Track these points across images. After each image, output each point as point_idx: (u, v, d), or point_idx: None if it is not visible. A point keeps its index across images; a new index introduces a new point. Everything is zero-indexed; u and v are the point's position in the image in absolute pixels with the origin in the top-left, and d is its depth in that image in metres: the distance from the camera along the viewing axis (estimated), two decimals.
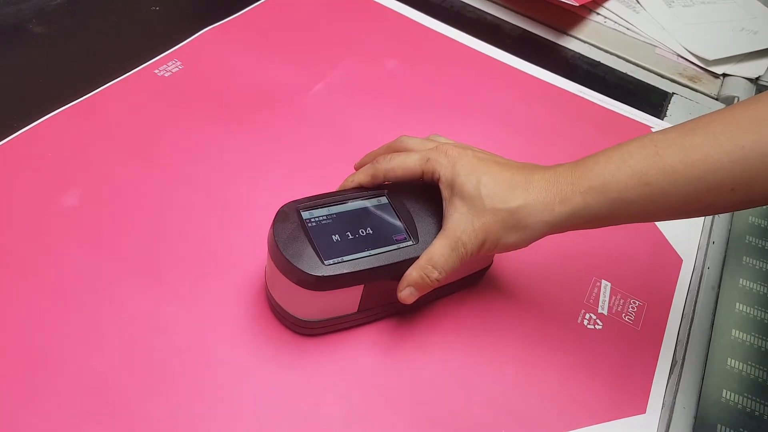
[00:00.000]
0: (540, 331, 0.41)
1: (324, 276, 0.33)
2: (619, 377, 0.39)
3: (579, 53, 0.68)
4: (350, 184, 0.39)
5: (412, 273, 0.35)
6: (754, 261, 0.48)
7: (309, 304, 0.36)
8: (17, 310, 0.36)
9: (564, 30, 0.71)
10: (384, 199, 0.38)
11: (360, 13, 0.65)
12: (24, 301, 0.36)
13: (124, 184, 0.43)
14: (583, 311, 0.42)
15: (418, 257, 0.35)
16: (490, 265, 0.42)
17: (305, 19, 0.62)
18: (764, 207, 0.52)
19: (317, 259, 0.34)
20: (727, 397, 0.39)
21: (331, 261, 0.34)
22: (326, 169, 0.48)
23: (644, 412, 0.38)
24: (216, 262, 0.40)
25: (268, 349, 0.37)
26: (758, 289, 0.46)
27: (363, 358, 0.38)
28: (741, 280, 0.47)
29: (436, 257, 0.35)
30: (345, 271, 0.34)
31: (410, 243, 0.36)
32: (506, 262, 0.44)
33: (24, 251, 0.38)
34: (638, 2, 0.78)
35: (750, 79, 0.69)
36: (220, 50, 0.56)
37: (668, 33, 0.74)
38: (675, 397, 0.39)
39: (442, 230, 0.35)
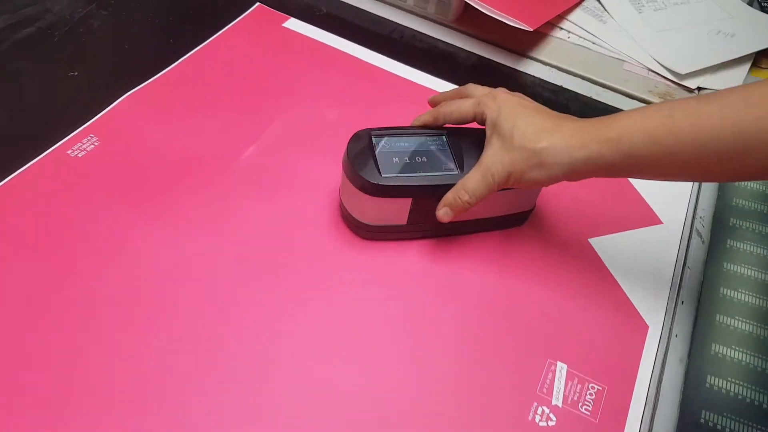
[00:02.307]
0: None
1: (379, 184, 0.41)
2: None
3: (539, 78, 0.63)
4: (417, 123, 0.46)
5: (448, 195, 0.42)
6: (729, 320, 0.44)
7: (367, 208, 0.43)
8: None
9: (523, 52, 0.66)
10: (443, 138, 0.45)
11: (299, 58, 0.60)
12: None
13: (31, 290, 0.40)
14: (535, 404, 0.39)
15: None
16: (531, 210, 0.48)
17: (238, 70, 0.58)
18: (736, 263, 0.48)
19: (377, 171, 0.42)
20: None
21: (387, 174, 0.42)
22: (261, 246, 0.44)
23: None
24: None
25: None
26: (736, 356, 0.42)
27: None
28: (714, 345, 0.43)
29: (468, 183, 0.41)
30: (397, 184, 0.42)
31: (455, 172, 0.43)
32: (448, 351, 0.40)
33: None
34: (605, 10, 0.73)
35: None
36: (141, 119, 0.52)
37: (638, 44, 0.69)
38: None
39: (477, 162, 0.41)
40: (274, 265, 0.44)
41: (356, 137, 0.44)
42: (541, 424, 0.38)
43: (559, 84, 0.63)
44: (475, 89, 0.46)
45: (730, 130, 0.34)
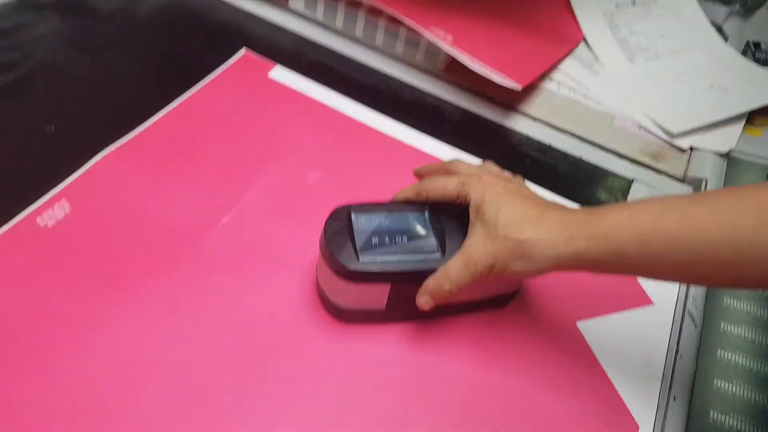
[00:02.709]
0: None
1: (357, 271, 0.39)
2: None
3: (527, 136, 0.61)
4: (399, 197, 0.44)
5: (429, 282, 0.39)
6: (724, 417, 0.42)
7: (344, 293, 0.41)
8: None
9: (512, 104, 0.64)
10: (426, 214, 0.43)
11: (283, 113, 0.57)
12: None
13: None
14: None
15: None
16: (517, 291, 0.46)
17: (220, 127, 0.55)
18: (730, 350, 0.46)
19: (354, 255, 0.39)
20: None
21: (365, 259, 0.39)
22: (233, 330, 0.41)
23: None
24: None
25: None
26: None
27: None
28: None
29: (450, 271, 0.38)
30: (375, 270, 0.39)
31: (437, 256, 0.40)
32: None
33: None
34: (597, 59, 0.71)
35: (721, 154, 0.62)
36: (116, 182, 0.48)
37: (630, 96, 0.67)
38: None
39: (460, 249, 0.39)
40: (245, 352, 0.41)
41: (335, 215, 0.42)
42: None
43: (547, 143, 0.61)
44: (460, 167, 0.44)
45: (725, 239, 0.33)
